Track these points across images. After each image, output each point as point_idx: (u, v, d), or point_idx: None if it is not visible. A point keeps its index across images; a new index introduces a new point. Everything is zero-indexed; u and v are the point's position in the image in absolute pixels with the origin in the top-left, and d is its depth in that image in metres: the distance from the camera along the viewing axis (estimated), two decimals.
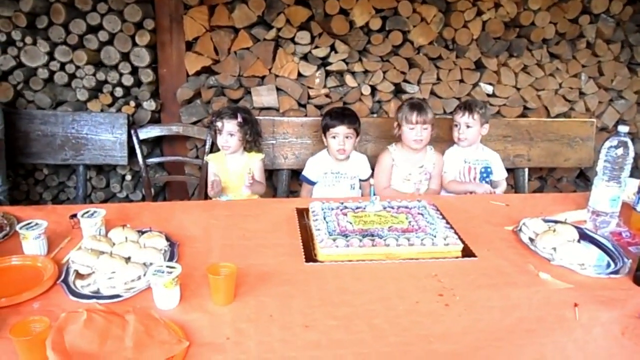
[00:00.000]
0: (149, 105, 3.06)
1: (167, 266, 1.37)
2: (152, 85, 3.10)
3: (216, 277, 1.36)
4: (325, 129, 2.68)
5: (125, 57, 2.98)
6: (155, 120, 3.16)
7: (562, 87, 3.43)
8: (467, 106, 2.73)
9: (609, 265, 1.66)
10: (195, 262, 1.57)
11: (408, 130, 2.64)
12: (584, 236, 1.81)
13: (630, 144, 1.83)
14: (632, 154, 1.84)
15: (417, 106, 2.65)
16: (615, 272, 1.59)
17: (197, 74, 3.10)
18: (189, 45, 3.07)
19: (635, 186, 1.93)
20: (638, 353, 1.24)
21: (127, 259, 1.51)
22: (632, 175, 1.98)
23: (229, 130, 2.59)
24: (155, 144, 3.27)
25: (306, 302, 1.40)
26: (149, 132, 2.99)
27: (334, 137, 2.65)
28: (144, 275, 1.44)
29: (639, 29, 3.41)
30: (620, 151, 1.83)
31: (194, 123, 3.11)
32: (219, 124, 2.58)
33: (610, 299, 1.46)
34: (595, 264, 1.66)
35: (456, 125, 2.75)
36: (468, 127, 2.71)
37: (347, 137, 2.66)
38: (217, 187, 2.53)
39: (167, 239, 1.68)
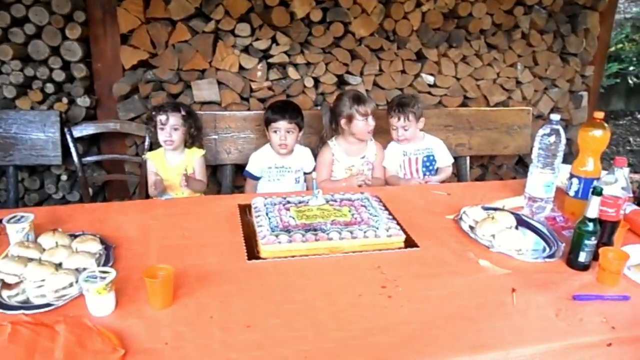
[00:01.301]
0: (83, 101, 2.92)
1: (101, 271, 1.31)
2: (86, 80, 2.96)
3: (153, 280, 1.31)
4: (267, 123, 2.66)
5: (56, 51, 2.83)
6: (90, 117, 3.02)
7: (500, 77, 3.52)
8: (401, 109, 2.73)
9: (544, 250, 1.71)
10: (132, 265, 1.51)
11: (361, 122, 2.65)
12: (521, 222, 1.87)
13: (562, 131, 1.89)
14: (564, 141, 1.90)
15: (363, 98, 2.69)
16: (550, 256, 1.65)
17: (134, 68, 2.98)
18: (125, 39, 2.95)
19: (568, 172, 1.99)
20: (571, 333, 1.29)
21: (58, 266, 1.44)
22: (565, 161, 2.06)
23: (173, 124, 2.52)
24: (91, 142, 3.13)
25: (248, 301, 1.37)
26: (84, 130, 2.87)
27: (275, 132, 2.63)
28: (76, 281, 1.37)
29: (570, 20, 3.54)
30: (552, 139, 1.89)
31: (132, 119, 2.99)
32: (162, 117, 2.50)
33: (546, 283, 1.51)
34: (533, 248, 1.72)
35: (394, 128, 2.76)
36: (405, 129, 2.74)
37: (288, 132, 2.64)
38: (159, 187, 2.45)
39: (102, 242, 1.61)
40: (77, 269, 1.42)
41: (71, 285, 1.36)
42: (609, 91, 7.04)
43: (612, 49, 6.94)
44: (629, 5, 7.26)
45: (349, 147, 2.74)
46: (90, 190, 2.98)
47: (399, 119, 2.73)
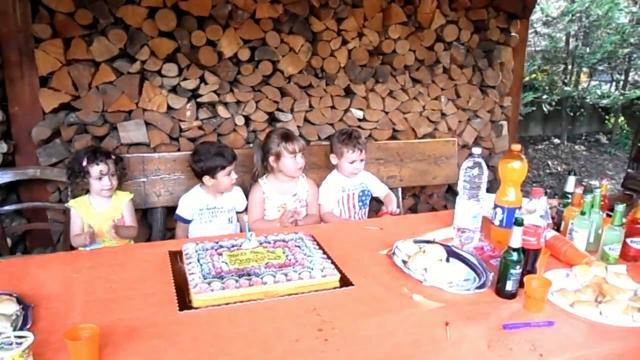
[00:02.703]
0: (0, 147, 2.76)
1: (16, 336, 1.22)
2: (2, 125, 2.80)
3: (75, 342, 1.23)
4: (216, 169, 2.59)
5: None
6: (8, 163, 2.85)
7: (426, 110, 3.67)
8: (356, 142, 2.77)
9: (474, 280, 1.76)
10: (53, 325, 1.42)
11: (290, 159, 2.66)
12: (451, 253, 1.92)
13: (483, 164, 1.98)
14: (486, 172, 1.99)
15: (291, 135, 2.71)
16: (480, 287, 1.70)
17: (55, 111, 2.86)
18: (44, 81, 2.83)
19: (492, 201, 2.08)
20: None
21: None
22: (491, 189, 2.15)
23: (112, 171, 2.47)
24: (10, 190, 2.95)
25: (180, 355, 1.31)
26: (1, 178, 2.70)
27: (228, 174, 2.61)
28: None
29: (486, 55, 3.77)
30: (476, 171, 1.97)
31: (54, 164, 2.85)
32: (102, 167, 2.42)
33: (477, 314, 1.55)
34: (465, 278, 1.76)
35: (351, 162, 2.78)
36: (362, 160, 2.80)
37: (233, 171, 2.65)
38: (92, 238, 2.35)
39: (19, 302, 1.50)
40: None
41: None
42: (526, 118, 7.51)
43: (527, 79, 7.42)
44: (538, 39, 7.81)
45: (280, 185, 2.74)
46: (9, 240, 2.80)
47: (360, 151, 2.77)
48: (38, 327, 1.40)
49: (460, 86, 3.72)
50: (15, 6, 2.67)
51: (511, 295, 1.64)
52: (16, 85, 2.79)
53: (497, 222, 2.03)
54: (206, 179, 2.61)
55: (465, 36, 3.60)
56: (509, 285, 1.62)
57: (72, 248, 2.50)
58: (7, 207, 2.74)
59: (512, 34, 3.80)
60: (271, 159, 2.69)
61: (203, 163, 2.60)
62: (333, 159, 2.84)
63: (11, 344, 1.19)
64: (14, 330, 1.32)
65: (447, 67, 3.64)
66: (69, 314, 1.49)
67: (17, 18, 2.69)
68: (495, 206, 2.04)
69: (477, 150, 1.97)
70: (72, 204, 2.47)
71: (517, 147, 1.99)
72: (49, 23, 2.73)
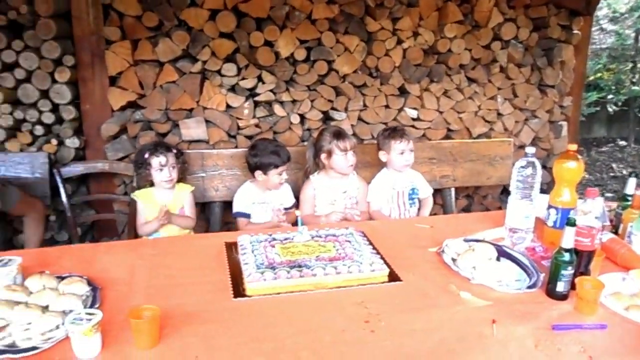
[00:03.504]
0: (72, 142, 2.97)
1: (87, 313, 1.33)
2: (75, 122, 3.01)
3: (138, 320, 1.33)
4: (269, 167, 2.67)
5: (45, 94, 2.89)
6: (80, 157, 3.06)
7: (481, 109, 3.62)
8: (401, 133, 2.82)
9: (524, 280, 1.75)
10: (118, 306, 1.53)
11: (341, 157, 2.71)
12: (502, 253, 1.91)
13: (537, 163, 1.95)
14: (540, 172, 1.96)
15: (343, 133, 2.75)
16: (531, 287, 1.68)
17: (122, 109, 3.04)
18: (113, 80, 3.02)
19: (546, 202, 2.05)
20: None
21: (45, 308, 1.45)
22: (547, 191, 2.11)
23: (172, 163, 2.60)
24: (80, 182, 3.16)
25: (232, 339, 1.39)
26: (73, 171, 2.91)
27: (280, 174, 2.69)
28: (63, 324, 1.38)
29: (545, 53, 3.67)
30: (529, 171, 1.95)
31: (121, 159, 3.03)
32: (161, 159, 2.56)
33: (526, 313, 1.54)
34: (516, 279, 1.75)
35: (400, 153, 2.81)
36: (411, 151, 2.81)
37: (286, 170, 2.73)
38: (168, 216, 2.54)
39: (89, 284, 1.63)
40: (63, 311, 1.44)
41: (57, 327, 1.38)
42: (590, 119, 7.20)
43: (591, 78, 7.13)
44: (604, 36, 7.49)
45: (331, 181, 2.79)
46: (79, 230, 3.00)
47: (408, 141, 2.80)
48: (105, 306, 1.51)
49: (517, 85, 3.65)
50: (88, 10, 2.86)
51: (562, 297, 1.61)
52: (88, 84, 2.99)
53: (550, 223, 2.00)
54: (258, 173, 2.71)
55: (523, 34, 3.53)
56: (560, 286, 1.60)
57: (137, 237, 2.66)
58: (78, 198, 2.94)
59: (574, 31, 3.68)
60: (323, 156, 2.74)
61: (258, 158, 2.69)
62: (383, 156, 2.87)
63: (82, 320, 1.30)
64: (84, 308, 1.44)
65: (504, 66, 3.58)
66: (132, 296, 1.60)
67: (90, 22, 2.88)
68: (549, 207, 2.01)
69: (530, 150, 1.95)
70: (137, 194, 2.63)
71: (573, 147, 1.95)
72: (119, 26, 2.90)
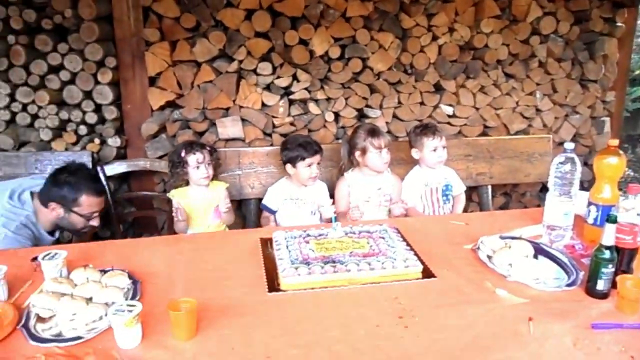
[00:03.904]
0: (114, 141, 3.07)
1: (128, 305, 1.38)
2: (116, 121, 3.11)
3: (177, 312, 1.37)
4: (296, 159, 2.71)
5: (88, 95, 3.00)
6: (121, 156, 3.16)
7: (519, 105, 3.55)
8: (434, 130, 2.81)
9: (563, 279, 1.71)
10: (158, 298, 1.57)
11: (376, 154, 2.71)
12: (540, 250, 1.87)
13: (577, 159, 1.91)
14: (579, 168, 1.91)
15: (377, 131, 2.75)
16: (570, 285, 1.65)
17: (161, 108, 3.12)
18: (152, 81, 3.10)
19: (586, 199, 2.00)
20: None
21: (89, 300, 1.51)
22: (588, 187, 2.06)
23: (207, 160, 2.65)
24: (122, 180, 3.26)
25: (268, 332, 1.41)
26: (115, 169, 3.00)
27: (309, 166, 2.71)
28: (106, 315, 1.43)
29: (587, 47, 3.57)
30: (568, 167, 1.90)
31: (160, 157, 3.12)
32: (198, 156, 2.60)
33: (564, 311, 1.51)
34: (554, 277, 1.72)
35: (433, 150, 2.80)
36: (444, 147, 2.80)
37: (318, 164, 2.75)
38: (182, 215, 2.57)
39: (130, 277, 1.68)
40: (106, 303, 1.49)
41: (101, 318, 1.43)
42: (635, 115, 6.94)
43: (636, 72, 6.88)
44: None
45: (365, 179, 2.79)
46: (121, 226, 3.09)
47: (440, 138, 2.79)
48: (145, 299, 1.56)
49: (557, 80, 3.56)
50: (129, 13, 2.95)
51: (602, 295, 1.57)
52: (129, 85, 3.08)
53: (590, 220, 1.96)
54: (288, 167, 2.75)
55: (564, 28, 3.44)
56: (600, 285, 1.57)
57: (175, 234, 2.72)
58: (120, 195, 3.03)
59: (618, 24, 3.57)
60: (357, 153, 2.75)
61: (287, 152, 2.74)
62: (415, 153, 2.86)
63: (123, 311, 1.35)
64: (126, 300, 1.49)
65: (543, 61, 3.50)
66: (171, 289, 1.65)
67: (130, 24, 2.97)
68: (590, 204, 1.96)
69: (569, 145, 1.90)
70: (173, 193, 2.69)
71: (614, 142, 1.90)
72: (158, 27, 2.98)
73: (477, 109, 3.48)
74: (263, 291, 1.64)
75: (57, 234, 2.49)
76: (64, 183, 2.31)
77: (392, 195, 2.82)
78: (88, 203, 2.36)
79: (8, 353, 1.31)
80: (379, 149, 2.70)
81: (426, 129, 2.82)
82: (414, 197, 2.83)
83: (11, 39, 2.85)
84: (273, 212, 2.81)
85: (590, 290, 1.59)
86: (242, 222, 3.26)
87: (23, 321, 1.45)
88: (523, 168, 3.44)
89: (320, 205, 2.76)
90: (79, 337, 1.38)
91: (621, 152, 1.89)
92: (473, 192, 3.59)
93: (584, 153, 3.76)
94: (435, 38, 3.30)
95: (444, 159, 2.83)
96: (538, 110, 3.61)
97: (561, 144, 3.66)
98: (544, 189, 3.77)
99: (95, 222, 2.44)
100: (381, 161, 2.72)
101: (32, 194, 2.38)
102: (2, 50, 2.87)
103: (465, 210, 2.99)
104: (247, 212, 3.21)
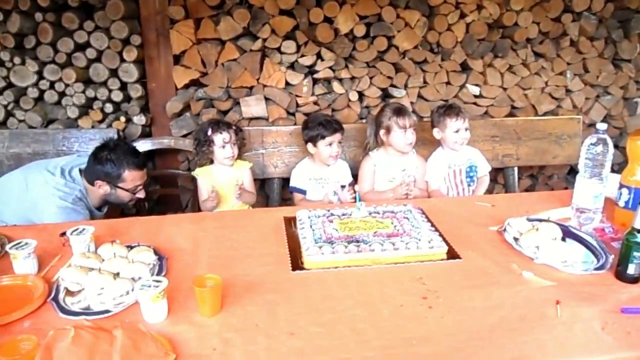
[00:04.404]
0: (139, 119, 3.09)
1: (154, 280, 1.40)
2: (141, 100, 3.13)
3: (202, 289, 1.38)
4: (317, 138, 2.70)
5: (114, 73, 3.02)
6: (146, 134, 3.19)
7: (549, 85, 3.46)
8: (457, 111, 2.74)
9: (592, 262, 1.68)
10: (183, 274, 1.59)
11: (400, 134, 2.68)
12: (568, 233, 1.84)
13: (609, 140, 1.85)
14: (611, 150, 1.86)
15: (404, 110, 2.71)
16: (599, 268, 1.62)
17: (186, 87, 3.13)
18: (177, 59, 3.10)
19: (617, 182, 1.95)
20: (617, 347, 1.27)
21: (116, 275, 1.53)
22: (618, 170, 2.01)
23: (233, 140, 2.65)
24: (147, 158, 3.28)
25: (291, 310, 1.42)
26: (140, 147, 3.02)
27: (329, 145, 2.69)
28: (132, 290, 1.46)
29: (621, 25, 3.45)
30: (599, 148, 1.85)
31: (185, 136, 3.13)
32: (224, 136, 2.61)
33: (592, 295, 1.48)
34: (583, 260, 1.68)
35: (456, 131, 2.74)
36: (466, 129, 2.75)
37: (339, 142, 2.73)
38: (218, 198, 2.60)
39: (156, 253, 1.70)
40: (133, 278, 1.52)
41: (128, 293, 1.45)
42: None
43: None
44: None
45: (390, 158, 2.77)
46: (146, 204, 3.13)
47: (464, 120, 2.73)
48: (171, 275, 1.58)
49: (589, 60, 3.45)
50: None
51: (633, 280, 1.54)
52: (154, 63, 3.09)
53: (622, 203, 1.90)
54: (309, 146, 2.74)
55: (597, 5, 3.31)
56: (631, 269, 1.53)
57: (199, 211, 2.74)
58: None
59: None
60: (382, 132, 2.72)
61: (308, 130, 2.73)
62: (437, 134, 2.79)
63: (150, 286, 1.37)
64: (152, 276, 1.51)
65: (574, 39, 3.39)
66: (196, 266, 1.67)
67: (155, 1, 2.98)
68: (621, 186, 1.91)
69: (602, 126, 1.85)
70: (198, 172, 2.70)
71: None
72: (182, 5, 2.97)
73: (505, 89, 3.40)
74: (287, 269, 1.65)
75: (104, 209, 2.56)
76: (106, 160, 2.35)
77: (417, 177, 2.79)
78: (131, 177, 2.40)
79: (40, 325, 1.35)
80: (404, 129, 2.66)
81: (450, 109, 2.77)
82: (438, 179, 2.79)
83: (39, 16, 2.87)
84: (303, 192, 2.80)
85: (621, 274, 1.56)
86: (265, 201, 3.28)
87: (53, 294, 1.48)
88: (551, 150, 3.37)
89: (338, 189, 2.73)
90: (106, 311, 1.40)
91: None
92: (499, 174, 3.54)
93: (615, 135, 3.67)
94: (463, 16, 3.22)
95: (466, 141, 2.77)
96: (568, 91, 3.51)
97: (591, 125, 3.57)
98: (572, 171, 3.70)
99: (141, 195, 2.50)
100: (405, 141, 2.68)
101: (80, 171, 2.44)
102: (29, 29, 2.90)
103: (490, 192, 2.94)
104: (270, 191, 3.22)
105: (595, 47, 3.43)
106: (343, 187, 2.77)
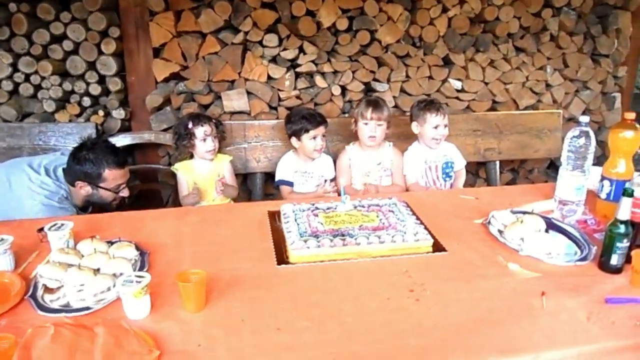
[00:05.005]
0: (119, 113, 3.03)
1: (136, 276, 1.36)
2: (120, 93, 3.06)
3: (186, 284, 1.35)
4: (300, 131, 2.68)
5: (92, 66, 2.95)
6: (125, 128, 3.13)
7: (529, 80, 3.49)
8: (438, 107, 2.73)
9: (575, 253, 1.69)
10: (166, 270, 1.56)
11: (363, 126, 2.68)
12: (551, 225, 1.85)
13: (591, 133, 1.87)
14: (593, 143, 1.88)
15: (374, 103, 2.69)
16: (582, 260, 1.63)
17: (166, 80, 3.07)
18: (157, 52, 3.05)
19: (599, 174, 1.96)
20: (602, 337, 1.28)
21: (97, 271, 1.49)
22: (598, 164, 2.03)
23: (214, 133, 2.62)
24: (126, 153, 3.21)
25: (277, 305, 1.40)
26: (119, 141, 2.97)
27: (313, 138, 2.67)
28: (114, 286, 1.42)
29: (600, 20, 3.50)
30: (582, 141, 1.87)
31: (165, 130, 3.08)
32: (205, 129, 2.57)
33: (577, 286, 1.49)
34: (565, 252, 1.69)
35: (435, 127, 2.71)
36: (445, 126, 2.74)
37: (323, 136, 2.72)
38: (200, 195, 2.56)
39: (138, 249, 1.66)
40: (114, 274, 1.48)
41: (109, 289, 1.42)
42: None
43: None
44: None
45: (364, 152, 2.75)
46: (126, 199, 3.07)
47: (443, 116, 2.71)
48: (153, 270, 1.54)
49: (568, 55, 3.49)
50: None
51: (616, 270, 1.56)
52: (133, 56, 3.03)
53: (603, 195, 1.93)
54: (294, 140, 2.72)
55: (577, 1, 3.35)
56: (614, 259, 1.55)
57: (180, 207, 2.70)
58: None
59: None
60: (354, 124, 2.72)
61: (291, 124, 2.71)
62: (415, 128, 2.77)
63: (132, 282, 1.33)
64: (134, 272, 1.48)
65: (554, 34, 3.42)
66: (179, 261, 1.63)
67: None
68: (603, 178, 1.93)
69: (584, 119, 1.87)
70: (177, 167, 2.66)
71: (630, 115, 1.86)
72: None
73: (486, 83, 3.42)
74: (272, 264, 1.62)
75: (89, 211, 2.46)
76: (85, 160, 2.26)
77: (392, 170, 2.77)
78: (112, 176, 2.32)
79: (17, 323, 1.31)
80: (367, 121, 2.64)
81: (430, 104, 2.75)
82: (415, 173, 2.77)
83: (12, 6, 2.79)
84: (291, 184, 2.78)
85: (604, 264, 1.57)
86: (248, 197, 3.24)
87: (31, 291, 1.44)
88: (532, 144, 3.40)
89: (321, 183, 2.70)
90: (87, 308, 1.37)
91: (637, 125, 1.85)
92: (481, 168, 3.56)
93: (594, 129, 3.69)
94: (445, 10, 3.22)
95: (444, 138, 2.76)
96: (548, 85, 3.55)
97: (570, 119, 3.62)
98: (552, 165, 3.74)
99: (125, 193, 2.42)
100: (367, 134, 2.66)
101: (64, 170, 2.36)
102: (3, 19, 2.81)
103: (472, 186, 2.95)
104: (252, 186, 3.19)
105: (575, 42, 3.47)
106: (326, 181, 2.75)
